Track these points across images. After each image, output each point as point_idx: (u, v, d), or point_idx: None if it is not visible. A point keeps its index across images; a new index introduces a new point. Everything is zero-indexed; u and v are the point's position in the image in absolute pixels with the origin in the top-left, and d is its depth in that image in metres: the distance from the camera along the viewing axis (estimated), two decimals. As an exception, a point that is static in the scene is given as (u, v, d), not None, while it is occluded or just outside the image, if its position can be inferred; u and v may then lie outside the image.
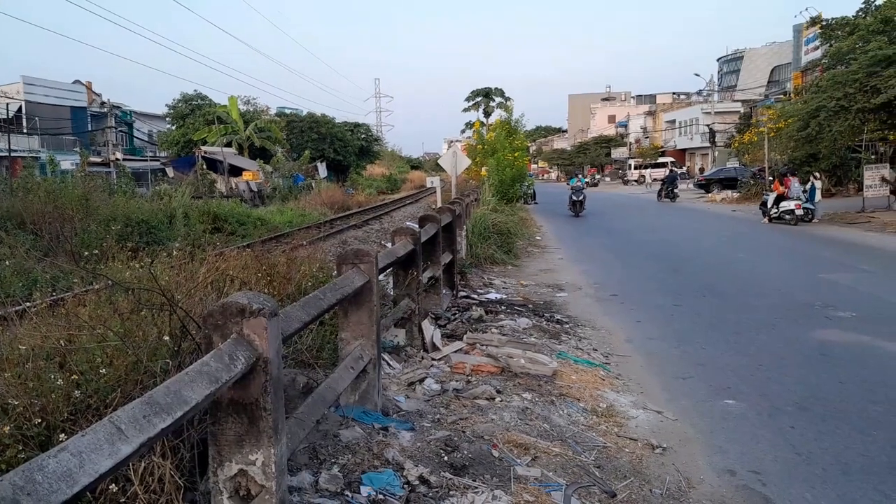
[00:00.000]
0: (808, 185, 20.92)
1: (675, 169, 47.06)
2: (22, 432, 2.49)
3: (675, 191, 34.92)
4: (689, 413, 5.16)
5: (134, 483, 2.49)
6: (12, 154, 29.06)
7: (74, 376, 2.76)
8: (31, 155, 31.02)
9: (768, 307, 8.84)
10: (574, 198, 26.34)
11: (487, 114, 72.40)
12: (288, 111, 54.34)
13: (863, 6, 26.05)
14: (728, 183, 35.39)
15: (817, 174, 22.40)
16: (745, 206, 27.61)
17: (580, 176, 31.52)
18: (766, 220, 21.01)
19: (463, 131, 74.82)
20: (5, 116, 31.35)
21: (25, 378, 2.80)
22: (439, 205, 15.00)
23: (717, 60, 77.41)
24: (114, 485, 2.43)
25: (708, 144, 52.39)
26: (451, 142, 67.59)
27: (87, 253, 5.52)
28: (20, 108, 35.88)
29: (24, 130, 36.36)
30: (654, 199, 35.29)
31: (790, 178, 21.09)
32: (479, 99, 76.00)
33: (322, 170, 43.65)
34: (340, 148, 48.83)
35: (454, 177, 19.69)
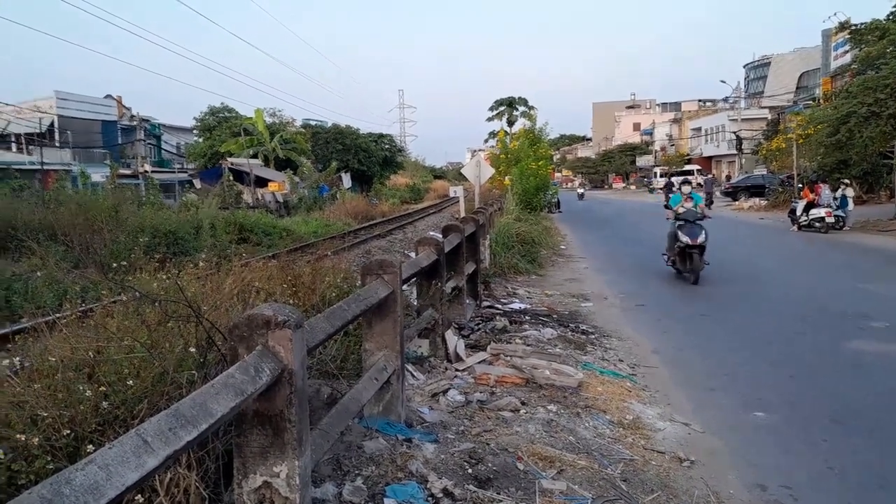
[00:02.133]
0: (839, 193, 20.55)
1: (709, 176, 46.03)
2: (51, 443, 2.52)
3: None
4: (717, 425, 5.07)
5: (160, 494, 2.51)
6: (45, 167, 29.71)
7: (102, 388, 2.80)
8: (63, 168, 31.61)
9: (799, 317, 8.68)
10: (686, 239, 11.51)
11: (511, 123, 72.25)
12: (313, 123, 54.78)
13: (893, 10, 25.58)
14: (755, 190, 34.99)
15: (847, 181, 21.99)
16: (774, 213, 27.22)
17: (687, 185, 13.26)
18: (795, 227, 20.67)
19: (486, 140, 74.65)
20: (39, 130, 32.10)
21: (55, 389, 2.84)
22: (462, 214, 14.99)
23: (744, 67, 76.54)
24: (140, 496, 2.45)
25: (735, 152, 51.78)
26: (475, 151, 67.61)
27: (115, 264, 5.60)
28: (53, 122, 36.69)
29: (57, 144, 37.15)
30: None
31: (820, 185, 20.73)
32: (502, 108, 75.93)
33: (346, 180, 43.94)
34: (364, 158, 49.12)
35: (478, 186, 19.67)
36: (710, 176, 44.32)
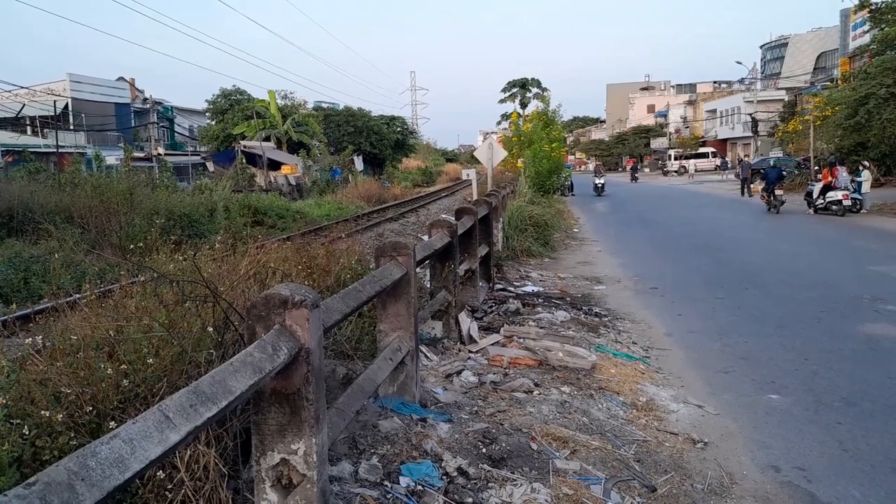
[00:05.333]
0: (863, 176, 20.28)
1: (745, 159, 43.25)
2: (73, 419, 2.57)
3: (637, 175, 46.55)
4: (731, 407, 5.07)
5: (180, 470, 2.56)
6: (60, 150, 29.89)
7: (123, 366, 2.84)
8: (77, 150, 31.78)
9: (814, 300, 8.62)
10: None
11: (524, 105, 71.66)
12: (325, 105, 54.70)
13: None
14: (771, 173, 34.54)
15: (866, 163, 21.70)
16: (789, 196, 26.91)
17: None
18: (811, 210, 20.47)
19: (499, 123, 73.96)
20: (53, 113, 32.26)
21: (77, 367, 2.88)
22: (475, 197, 14.97)
23: (761, 47, 75.61)
24: (161, 471, 2.50)
25: (750, 134, 51.15)
26: (487, 133, 67.09)
27: (132, 246, 5.66)
28: (67, 105, 36.85)
29: (71, 127, 37.33)
30: (697, 191, 34.83)
31: (838, 167, 20.49)
32: (515, 90, 75.25)
33: (358, 163, 43.93)
34: (377, 141, 49.05)
35: (490, 169, 19.62)
36: (745, 159, 39.42)
